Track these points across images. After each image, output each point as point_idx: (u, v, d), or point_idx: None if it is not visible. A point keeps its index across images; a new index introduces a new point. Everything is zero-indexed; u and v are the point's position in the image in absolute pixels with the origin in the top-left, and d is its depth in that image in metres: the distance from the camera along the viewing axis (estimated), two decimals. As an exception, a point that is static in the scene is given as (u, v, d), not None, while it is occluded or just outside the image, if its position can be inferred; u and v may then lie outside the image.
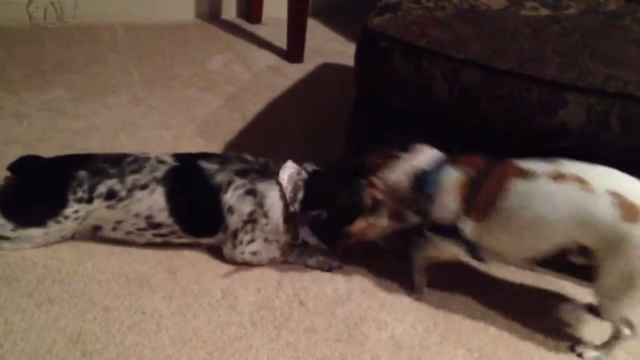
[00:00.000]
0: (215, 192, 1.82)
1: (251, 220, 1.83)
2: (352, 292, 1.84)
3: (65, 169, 1.83)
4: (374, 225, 1.79)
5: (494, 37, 1.85)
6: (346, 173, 1.84)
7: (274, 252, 1.89)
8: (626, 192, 1.52)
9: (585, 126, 1.73)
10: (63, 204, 1.77)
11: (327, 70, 3.17)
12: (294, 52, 3.18)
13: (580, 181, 1.55)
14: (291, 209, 1.81)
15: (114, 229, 1.85)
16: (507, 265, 1.96)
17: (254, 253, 1.86)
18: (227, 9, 3.61)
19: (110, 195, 1.79)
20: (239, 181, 1.83)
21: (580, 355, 1.73)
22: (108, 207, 1.80)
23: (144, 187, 1.80)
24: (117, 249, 1.88)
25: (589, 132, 1.73)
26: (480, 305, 1.85)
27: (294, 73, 3.09)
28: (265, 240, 1.86)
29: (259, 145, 2.45)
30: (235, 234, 1.85)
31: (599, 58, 1.77)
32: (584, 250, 1.63)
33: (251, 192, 1.82)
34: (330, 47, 3.44)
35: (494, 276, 1.96)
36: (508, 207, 1.61)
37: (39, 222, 1.79)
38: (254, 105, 2.75)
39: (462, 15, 1.93)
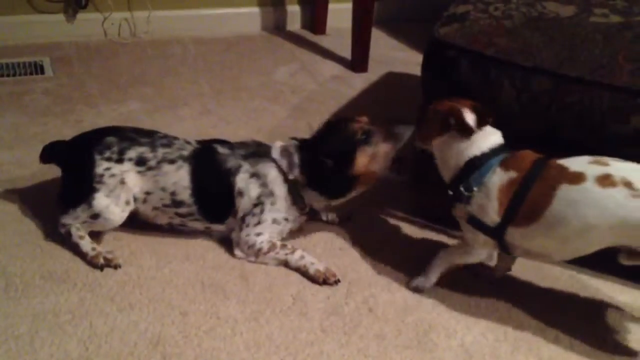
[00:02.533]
0: (227, 176, 1.93)
1: (259, 202, 1.92)
2: (421, 299, 1.86)
3: (92, 137, 1.97)
4: (375, 155, 1.88)
5: (564, 44, 1.84)
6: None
7: (278, 233, 1.96)
8: None
9: (659, 133, 1.70)
10: (92, 164, 1.88)
11: (392, 80, 3.19)
12: (358, 62, 3.22)
13: (628, 185, 1.50)
14: (290, 176, 1.91)
15: (144, 201, 1.94)
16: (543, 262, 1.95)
17: (258, 234, 1.92)
18: (291, 21, 3.68)
19: (141, 161, 1.91)
20: (245, 165, 1.93)
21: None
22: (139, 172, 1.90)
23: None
24: (193, 255, 1.96)
25: (663, 139, 1.70)
26: (552, 315, 1.83)
27: (359, 83, 3.13)
28: (274, 221, 1.93)
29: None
30: (243, 218, 1.94)
31: (674, 64, 1.74)
32: (634, 252, 1.60)
33: (254, 175, 1.92)
34: (394, 56, 3.45)
35: (566, 287, 1.95)
36: (553, 216, 1.57)
37: (90, 190, 1.87)
38: (320, 115, 2.79)
39: (531, 24, 1.93)
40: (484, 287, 1.91)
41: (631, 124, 1.71)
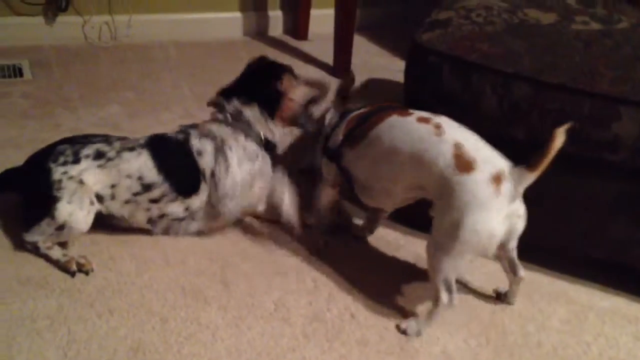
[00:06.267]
0: (183, 144, 2.00)
1: (218, 151, 1.98)
2: (403, 305, 1.86)
3: (44, 151, 1.95)
4: (296, 87, 2.09)
5: (545, 51, 1.86)
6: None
7: (253, 170, 2.03)
8: (471, 147, 1.62)
9: (639, 140, 1.72)
10: (48, 174, 1.85)
11: (373, 86, 3.19)
12: (340, 68, 3.22)
13: (438, 127, 1.68)
14: (229, 112, 2.06)
15: (112, 196, 1.92)
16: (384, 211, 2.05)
17: (233, 174, 1.98)
18: (274, 26, 3.68)
19: (99, 155, 1.91)
20: (193, 132, 2.03)
21: (404, 332, 1.77)
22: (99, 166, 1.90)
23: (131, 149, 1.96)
24: (173, 260, 1.94)
25: (643, 145, 1.72)
26: (534, 321, 1.84)
27: (341, 89, 3.12)
28: (240, 162, 1.99)
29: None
30: (212, 173, 1.97)
31: (653, 71, 1.76)
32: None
33: (203, 135, 2.01)
34: (376, 62, 3.46)
35: (547, 294, 1.95)
36: (374, 135, 1.80)
37: (52, 200, 1.83)
38: (302, 121, 2.78)
39: (512, 30, 1.94)
40: (466, 294, 1.91)
41: (612, 130, 1.73)
